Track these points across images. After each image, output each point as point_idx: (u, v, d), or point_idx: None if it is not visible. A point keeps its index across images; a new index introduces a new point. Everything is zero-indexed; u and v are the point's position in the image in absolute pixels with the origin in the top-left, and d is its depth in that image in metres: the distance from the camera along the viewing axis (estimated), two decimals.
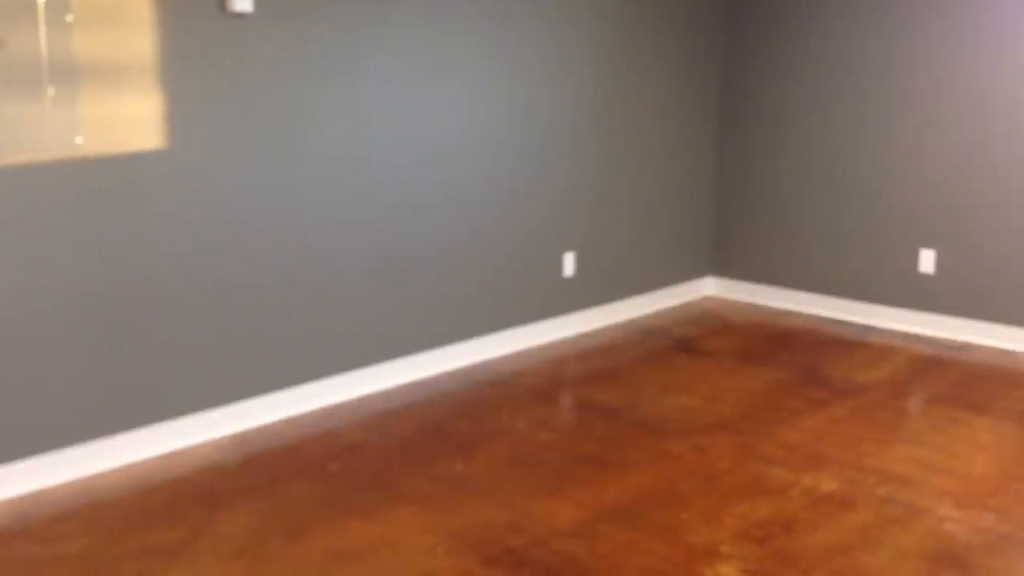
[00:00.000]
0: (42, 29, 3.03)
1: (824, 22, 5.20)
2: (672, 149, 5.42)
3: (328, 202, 3.85)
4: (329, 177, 3.84)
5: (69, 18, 3.08)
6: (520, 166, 4.58)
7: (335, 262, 3.91)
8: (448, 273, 4.34)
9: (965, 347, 4.82)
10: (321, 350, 3.92)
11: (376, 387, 4.13)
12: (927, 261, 5.02)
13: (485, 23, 4.29)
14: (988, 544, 2.86)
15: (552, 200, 4.77)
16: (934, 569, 2.71)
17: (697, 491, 3.19)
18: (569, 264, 4.91)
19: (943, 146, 4.88)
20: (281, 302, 3.76)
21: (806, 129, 5.36)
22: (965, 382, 4.29)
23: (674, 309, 5.52)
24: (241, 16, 3.48)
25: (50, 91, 3.07)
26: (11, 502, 3.09)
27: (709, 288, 5.87)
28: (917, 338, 4.98)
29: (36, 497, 3.13)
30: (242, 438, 3.62)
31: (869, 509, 3.07)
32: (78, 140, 3.15)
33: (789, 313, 5.47)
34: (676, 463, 3.42)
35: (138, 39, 3.24)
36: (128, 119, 3.25)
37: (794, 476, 3.31)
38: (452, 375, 4.33)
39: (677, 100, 5.38)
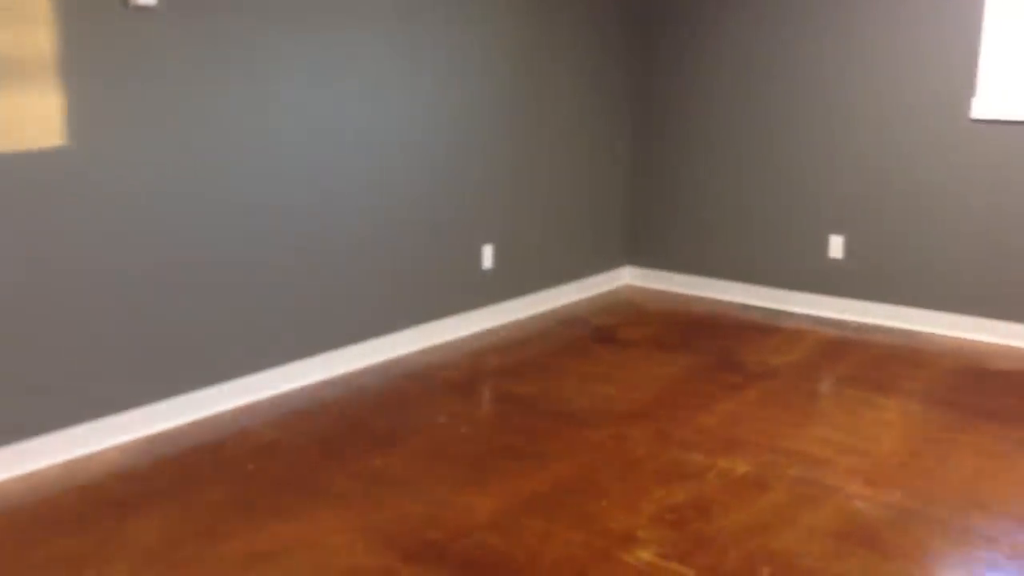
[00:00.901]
0: None
1: (733, 14, 5.29)
2: (587, 141, 5.46)
3: (238, 198, 3.78)
4: (238, 173, 3.77)
5: None
6: (437, 159, 4.56)
7: (246, 259, 3.85)
8: (364, 268, 4.31)
9: (873, 329, 4.96)
10: (234, 349, 3.85)
11: (292, 385, 4.07)
12: (836, 247, 5.14)
13: (400, 16, 4.26)
14: (895, 520, 2.94)
15: (470, 193, 4.76)
16: (843, 545, 2.79)
17: (615, 479, 3.22)
18: (487, 256, 4.92)
19: (852, 135, 5.01)
20: (190, 300, 3.68)
21: (718, 119, 5.44)
22: (873, 364, 4.42)
23: (592, 299, 5.57)
24: (144, 10, 3.39)
25: None
26: None
27: (626, 277, 5.93)
28: (827, 322, 5.11)
29: None
30: (154, 441, 3.53)
31: (782, 490, 3.14)
32: None
33: (704, 300, 5.55)
34: (595, 452, 3.44)
35: (38, 34, 3.13)
36: (27, 116, 3.14)
37: (710, 460, 3.37)
38: (370, 371, 4.30)
39: (591, 92, 5.41)
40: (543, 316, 5.21)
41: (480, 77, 4.72)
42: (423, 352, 4.56)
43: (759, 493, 3.12)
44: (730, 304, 5.47)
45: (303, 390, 4.05)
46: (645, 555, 2.73)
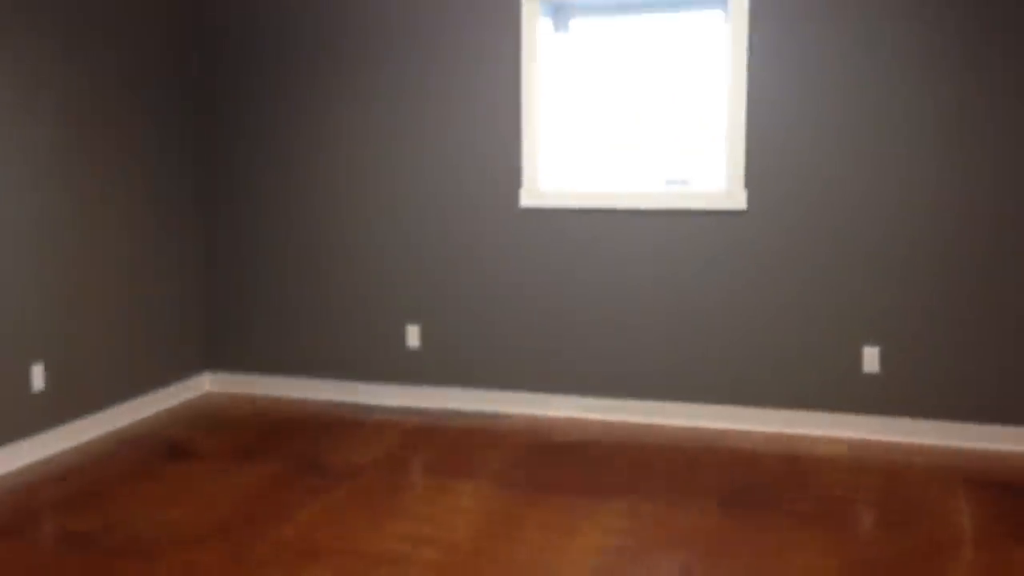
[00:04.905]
0: None
1: (294, 94, 5.29)
2: (153, 244, 5.14)
3: None
4: None
5: None
6: None
7: None
8: None
9: (453, 415, 5.10)
10: None
11: None
12: (413, 336, 5.25)
13: None
14: None
15: (11, 304, 4.26)
16: None
17: None
18: (37, 377, 4.41)
19: (420, 227, 5.17)
20: None
21: (289, 213, 5.39)
22: (452, 449, 4.52)
23: (168, 412, 5.20)
24: None
25: None
26: None
27: (206, 385, 5.63)
28: (411, 411, 5.17)
29: None
30: None
31: None
32: None
33: (291, 401, 5.41)
34: None
35: None
36: None
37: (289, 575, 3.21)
38: None
39: (154, 192, 5.12)
40: (109, 437, 4.76)
41: (20, 175, 4.27)
42: None
43: None
44: (316, 403, 5.37)
45: None
46: None
